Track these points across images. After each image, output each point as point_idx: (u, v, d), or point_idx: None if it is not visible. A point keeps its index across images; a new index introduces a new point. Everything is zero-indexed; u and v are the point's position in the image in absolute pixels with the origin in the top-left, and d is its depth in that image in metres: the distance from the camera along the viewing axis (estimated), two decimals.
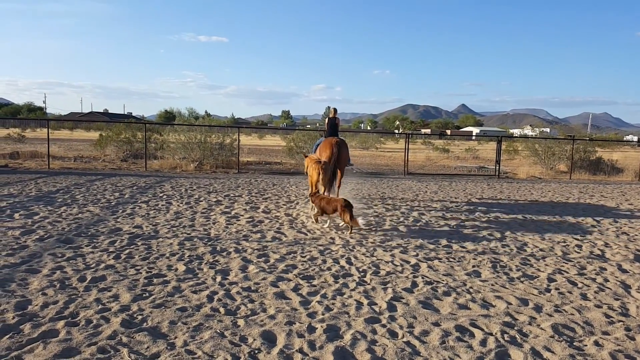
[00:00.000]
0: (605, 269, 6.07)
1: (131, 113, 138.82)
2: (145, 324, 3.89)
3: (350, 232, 7.41)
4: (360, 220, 7.61)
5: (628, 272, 5.97)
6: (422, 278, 5.39)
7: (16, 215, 7.67)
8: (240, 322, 4.00)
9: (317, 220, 8.13)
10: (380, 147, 39.48)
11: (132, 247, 6.12)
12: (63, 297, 4.35)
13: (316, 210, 8.01)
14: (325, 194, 8.66)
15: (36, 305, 4.15)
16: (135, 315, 4.03)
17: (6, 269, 5.05)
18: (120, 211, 8.43)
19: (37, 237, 6.40)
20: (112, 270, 5.17)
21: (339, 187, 9.82)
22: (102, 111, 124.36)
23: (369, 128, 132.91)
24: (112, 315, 4.01)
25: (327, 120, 10.59)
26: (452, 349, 3.71)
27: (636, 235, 8.21)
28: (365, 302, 4.59)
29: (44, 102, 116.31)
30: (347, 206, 7.39)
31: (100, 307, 4.17)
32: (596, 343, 3.92)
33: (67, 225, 7.18)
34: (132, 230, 7.01)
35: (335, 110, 10.56)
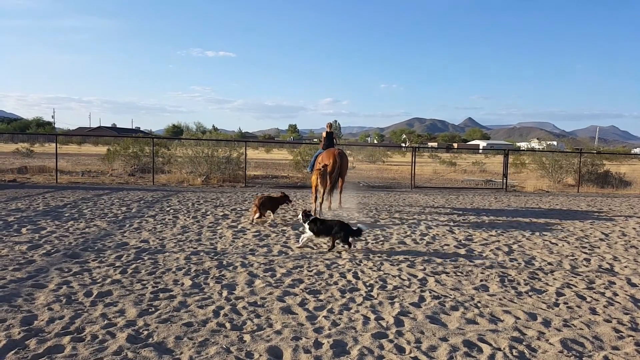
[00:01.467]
0: (615, 283, 5.99)
1: (139, 127, 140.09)
2: (151, 339, 3.88)
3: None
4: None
5: (637, 286, 5.89)
6: (430, 292, 5.34)
7: (23, 230, 7.72)
8: (247, 337, 3.98)
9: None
10: (387, 161, 39.47)
11: (138, 261, 6.13)
12: (69, 312, 4.35)
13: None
14: (325, 196, 9.97)
15: (42, 320, 4.16)
16: (141, 331, 4.02)
17: (13, 283, 5.07)
18: (127, 225, 8.46)
19: (44, 251, 6.43)
20: (119, 285, 5.17)
21: (340, 192, 11.14)
22: (110, 126, 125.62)
23: (375, 142, 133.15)
24: (118, 330, 4.01)
25: (324, 133, 12.12)
26: None
27: None
28: (372, 317, 4.55)
29: (53, 117, 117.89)
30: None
31: (106, 322, 4.17)
32: (606, 358, 3.87)
33: (74, 239, 7.21)
34: (139, 245, 7.02)
35: (330, 124, 12.37)
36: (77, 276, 5.41)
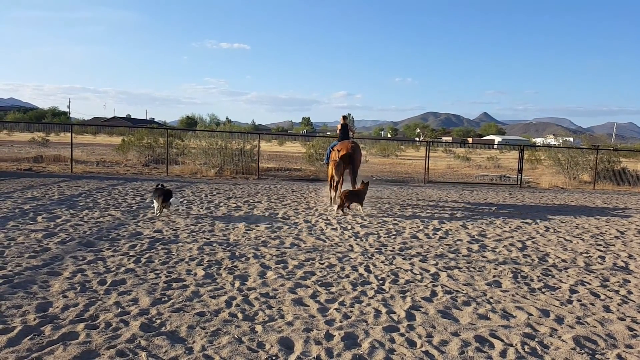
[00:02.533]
0: (629, 281, 5.91)
1: (153, 119, 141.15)
2: (163, 328, 3.92)
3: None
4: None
5: None
6: (442, 287, 5.31)
7: (39, 218, 7.84)
8: (258, 328, 4.00)
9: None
10: (400, 155, 39.28)
11: (152, 251, 6.19)
12: (83, 299, 4.42)
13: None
14: (340, 187, 10.47)
15: (57, 307, 4.22)
16: (154, 319, 4.06)
17: (28, 271, 5.16)
18: (141, 215, 8.54)
19: (59, 240, 6.52)
20: (132, 274, 5.23)
21: (353, 184, 11.18)
22: (124, 116, 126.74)
23: (389, 136, 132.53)
24: (131, 318, 4.06)
25: (339, 125, 12.31)
26: (472, 359, 3.64)
27: None
28: (384, 310, 4.54)
29: (68, 106, 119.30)
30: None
31: (119, 310, 4.22)
32: (619, 356, 3.82)
33: (89, 228, 7.31)
34: (153, 235, 7.09)
35: (345, 117, 12.40)
36: (92, 264, 5.49)
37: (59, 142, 33.48)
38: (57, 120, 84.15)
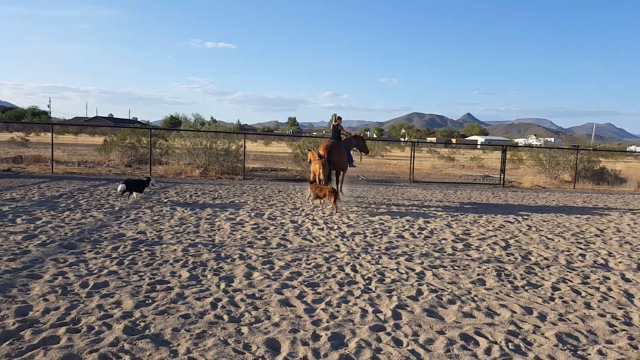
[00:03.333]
0: (609, 278, 6.03)
1: (136, 118, 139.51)
2: (147, 330, 3.86)
3: (336, 211, 9.79)
4: (339, 204, 10.07)
5: (631, 282, 5.93)
6: (427, 286, 5.35)
7: (18, 220, 7.68)
8: (244, 329, 3.97)
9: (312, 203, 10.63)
10: (386, 155, 39.47)
11: (135, 253, 6.10)
12: (65, 303, 4.33)
13: (312, 195, 10.35)
14: (323, 184, 10.73)
15: (37, 311, 4.13)
16: (137, 322, 4.00)
17: (7, 274, 5.04)
18: (124, 217, 8.42)
19: (39, 242, 6.39)
20: (115, 276, 5.15)
21: (337, 183, 11.80)
22: (107, 116, 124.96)
23: (375, 136, 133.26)
24: (114, 321, 3.99)
25: (332, 126, 12.72)
26: (457, 357, 3.67)
27: (639, 244, 8.16)
28: (370, 309, 4.55)
29: (49, 106, 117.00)
30: (334, 192, 9.89)
31: (102, 313, 4.15)
32: (600, 352, 3.89)
33: (70, 230, 7.18)
34: (136, 236, 7.00)
35: (335, 117, 12.72)
36: (73, 267, 5.38)
37: (39, 142, 32.86)
38: (37, 119, 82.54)
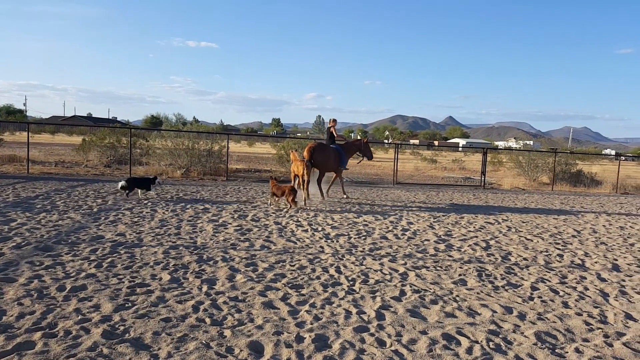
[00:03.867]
0: (585, 278, 6.16)
1: (116, 118, 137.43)
2: (127, 334, 3.78)
3: (291, 208, 10.14)
4: (299, 203, 10.52)
5: (606, 281, 6.06)
6: (410, 286, 5.37)
7: None
8: (227, 332, 3.92)
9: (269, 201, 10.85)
10: None
11: (114, 255, 5.98)
12: (40, 307, 4.21)
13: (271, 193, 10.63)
14: (304, 186, 10.97)
15: (11, 315, 4.01)
16: (117, 326, 3.92)
17: None
18: (103, 218, 8.26)
19: (14, 244, 6.21)
20: (93, 279, 5.03)
21: (319, 184, 11.98)
22: (85, 115, 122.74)
23: (359, 137, 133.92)
24: (92, 325, 3.90)
25: (326, 129, 13.03)
26: (439, 357, 3.69)
27: (614, 245, 8.36)
28: (354, 311, 4.54)
29: (24, 104, 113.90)
30: (292, 190, 10.18)
31: (80, 317, 4.04)
32: (577, 350, 3.97)
33: (47, 232, 7.00)
34: (115, 238, 6.86)
35: (330, 120, 12.96)
36: (50, 270, 5.25)
37: (14, 141, 32.06)
38: (11, 118, 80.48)
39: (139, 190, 10.83)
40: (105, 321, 3.99)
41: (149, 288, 4.85)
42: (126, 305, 4.37)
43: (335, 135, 12.72)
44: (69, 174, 15.82)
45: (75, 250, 6.08)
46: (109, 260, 5.74)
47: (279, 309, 4.51)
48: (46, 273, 5.13)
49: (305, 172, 11.02)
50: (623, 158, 39.07)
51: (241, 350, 3.62)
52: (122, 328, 3.89)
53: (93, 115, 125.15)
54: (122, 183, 10.55)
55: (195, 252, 6.36)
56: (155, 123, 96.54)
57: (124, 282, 4.97)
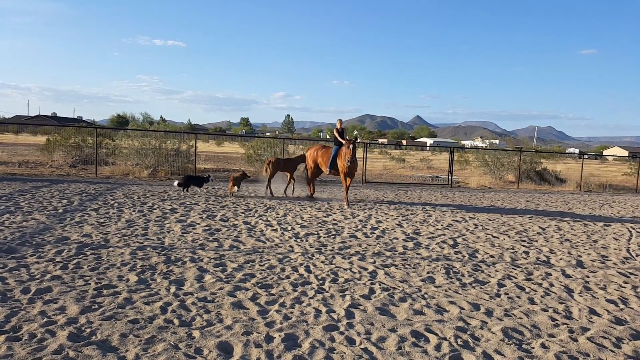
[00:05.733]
0: (551, 274, 6.36)
1: (81, 117, 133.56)
2: (94, 337, 3.72)
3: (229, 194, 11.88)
4: (235, 189, 12.02)
5: (571, 277, 6.28)
6: (380, 285, 5.45)
7: None
8: (196, 333, 3.90)
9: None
10: None
11: (80, 257, 5.85)
12: (4, 310, 4.09)
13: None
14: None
15: None
16: (83, 328, 3.85)
17: None
18: (68, 219, 8.05)
19: None
20: (59, 281, 4.92)
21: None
22: (50, 115, 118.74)
23: (328, 137, 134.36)
24: (58, 328, 3.81)
25: (335, 130, 12.36)
26: (408, 354, 3.76)
27: (578, 242, 8.66)
28: (324, 309, 4.58)
29: None
30: (234, 179, 12.06)
31: (45, 320, 3.95)
32: (543, 345, 4.09)
33: (10, 234, 6.78)
34: (81, 240, 6.70)
35: (338, 121, 12.44)
36: (13, 272, 5.09)
37: None
38: None
39: (196, 188, 12.45)
40: (71, 323, 3.91)
41: (115, 289, 4.77)
42: (93, 307, 4.29)
43: (346, 135, 12.02)
44: (33, 174, 15.32)
45: (40, 252, 5.92)
46: (75, 261, 5.61)
47: (248, 309, 4.51)
48: (10, 275, 4.98)
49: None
50: (586, 157, 40.51)
51: (210, 351, 3.61)
52: (88, 330, 3.82)
53: (58, 115, 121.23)
54: (177, 182, 12.16)
55: (163, 252, 6.28)
56: (121, 122, 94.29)
57: (90, 284, 4.87)
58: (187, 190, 12.19)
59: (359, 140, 12.95)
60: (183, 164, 17.84)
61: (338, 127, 12.25)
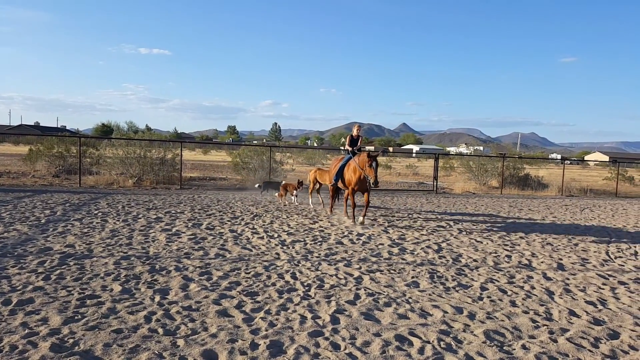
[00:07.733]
0: (532, 277, 6.47)
1: (65, 126, 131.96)
2: (77, 347, 3.69)
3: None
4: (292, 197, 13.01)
5: (552, 280, 6.39)
6: (365, 290, 5.49)
7: None
8: (180, 342, 3.89)
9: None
10: (326, 163, 39.86)
11: (63, 267, 5.79)
12: None
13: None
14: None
15: None
16: (66, 339, 3.81)
17: None
18: (51, 230, 7.96)
19: None
20: (41, 292, 4.86)
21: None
22: (33, 124, 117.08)
23: (315, 144, 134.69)
24: (40, 339, 3.78)
25: (349, 137, 11.08)
26: (392, 358, 3.80)
27: (559, 245, 8.81)
28: (309, 316, 4.61)
29: None
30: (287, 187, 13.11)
31: (27, 331, 3.91)
32: (523, 347, 4.16)
33: None
34: (64, 250, 6.64)
35: (356, 126, 11.20)
36: None
37: None
38: None
39: (274, 192, 13.62)
40: (54, 334, 3.88)
41: (99, 299, 4.74)
42: (76, 317, 4.26)
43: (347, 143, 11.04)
44: (15, 184, 15.10)
45: (22, 263, 5.85)
46: (58, 272, 5.55)
47: (234, 316, 4.52)
48: None
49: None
50: (568, 162, 41.17)
51: (195, 359, 3.61)
52: (71, 341, 3.79)
53: (41, 124, 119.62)
54: (260, 184, 14.39)
55: (148, 262, 6.24)
56: (106, 131, 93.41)
57: (73, 294, 4.83)
58: (262, 194, 14.11)
59: (379, 153, 11.42)
60: (168, 173, 17.73)
61: (354, 133, 10.91)
